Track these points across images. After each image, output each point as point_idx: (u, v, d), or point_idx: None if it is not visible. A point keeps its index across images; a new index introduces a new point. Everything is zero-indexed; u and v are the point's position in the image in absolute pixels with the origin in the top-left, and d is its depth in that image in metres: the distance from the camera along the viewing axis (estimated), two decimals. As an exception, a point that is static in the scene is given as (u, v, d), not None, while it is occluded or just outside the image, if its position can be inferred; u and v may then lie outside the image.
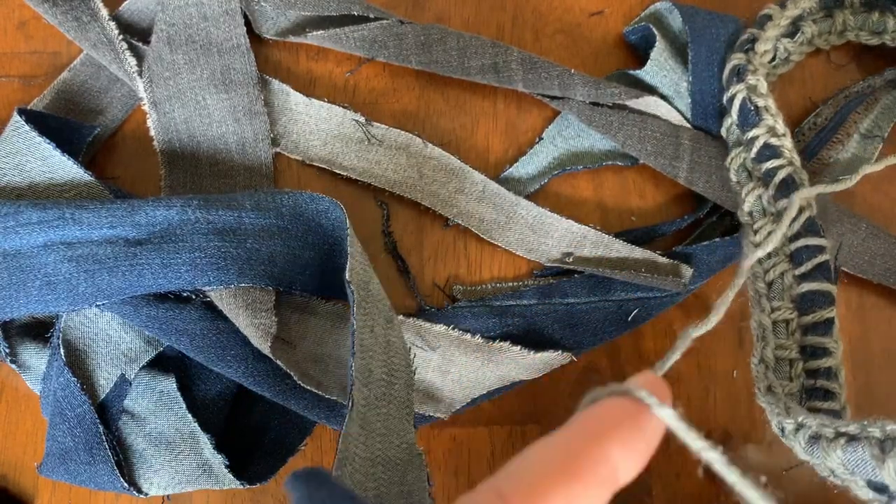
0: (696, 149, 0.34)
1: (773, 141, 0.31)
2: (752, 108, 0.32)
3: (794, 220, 0.30)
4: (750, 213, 0.32)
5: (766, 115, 0.32)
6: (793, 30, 0.35)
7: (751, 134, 0.32)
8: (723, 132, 0.34)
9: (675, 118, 0.35)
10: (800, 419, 0.25)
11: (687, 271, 0.33)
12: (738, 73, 0.33)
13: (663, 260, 0.33)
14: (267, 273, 0.30)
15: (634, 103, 0.34)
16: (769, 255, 0.30)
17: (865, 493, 0.24)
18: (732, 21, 0.35)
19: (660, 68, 0.35)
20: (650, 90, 0.35)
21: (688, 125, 0.35)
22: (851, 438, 0.23)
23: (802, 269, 0.29)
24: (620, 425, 0.18)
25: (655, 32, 0.35)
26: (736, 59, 0.33)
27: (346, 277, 0.27)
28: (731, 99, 0.33)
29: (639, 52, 0.37)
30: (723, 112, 0.34)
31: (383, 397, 0.27)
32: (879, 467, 0.22)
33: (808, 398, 0.28)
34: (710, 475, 0.35)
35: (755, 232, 0.31)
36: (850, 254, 0.34)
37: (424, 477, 0.27)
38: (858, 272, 0.34)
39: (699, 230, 0.35)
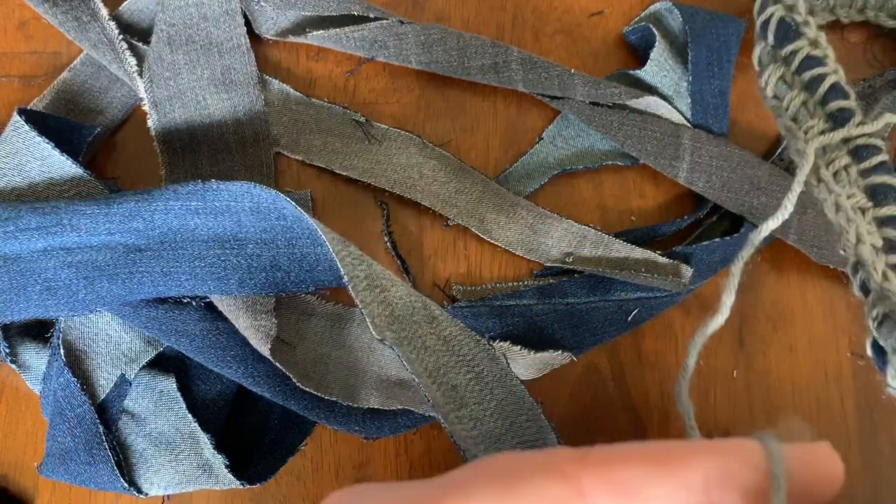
0: (697, 149, 0.34)
1: (817, 52, 0.29)
2: (793, 24, 0.29)
3: (847, 122, 0.28)
4: (794, 119, 0.29)
5: (806, 30, 0.29)
6: None
7: (791, 47, 0.29)
8: (753, 60, 0.31)
9: (676, 118, 0.35)
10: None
11: (687, 271, 0.33)
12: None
13: (663, 260, 0.33)
14: (269, 280, 0.29)
15: (635, 103, 0.34)
16: (824, 152, 0.28)
17: None
18: (733, 21, 0.35)
19: (660, 68, 0.35)
20: (650, 90, 0.35)
21: (688, 125, 0.35)
22: None
23: (866, 163, 0.27)
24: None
25: (655, 32, 0.35)
26: None
27: (376, 336, 0.26)
28: (766, 22, 0.30)
29: (639, 52, 0.37)
30: (756, 39, 0.31)
31: (484, 395, 0.25)
32: None
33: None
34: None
35: (805, 131, 0.29)
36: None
37: (555, 439, 0.27)
38: (858, 272, 0.34)
39: (699, 230, 0.35)
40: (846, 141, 0.28)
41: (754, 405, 0.34)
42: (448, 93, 0.36)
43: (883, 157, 0.27)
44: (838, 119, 0.28)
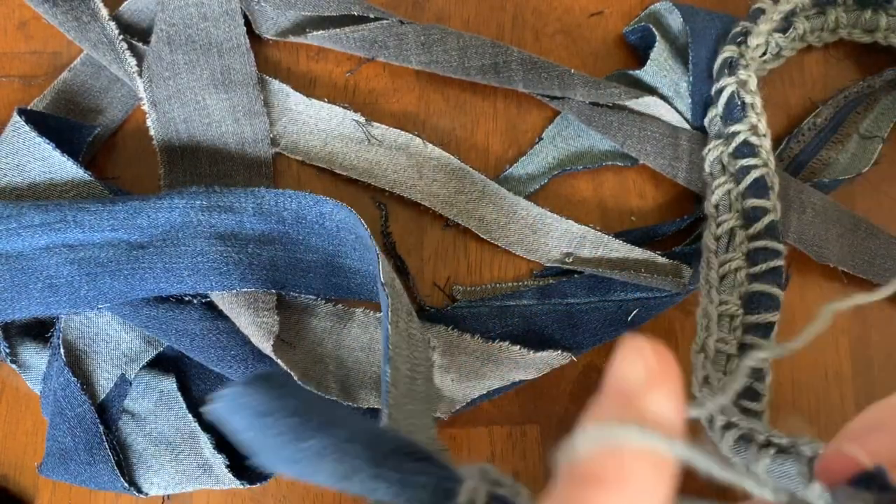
0: (696, 149, 0.34)
1: (753, 139, 0.32)
2: (739, 103, 0.32)
3: (758, 220, 0.31)
4: (716, 206, 0.32)
5: (750, 113, 0.32)
6: (785, 25, 0.34)
7: (732, 129, 0.32)
8: (705, 122, 0.34)
9: (675, 119, 0.35)
10: (733, 418, 0.25)
11: (687, 271, 0.33)
12: (730, 66, 0.33)
13: (663, 260, 0.33)
14: (268, 278, 0.30)
15: (634, 104, 0.34)
16: (727, 249, 0.31)
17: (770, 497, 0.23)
18: (732, 21, 0.35)
19: (660, 68, 0.35)
20: (650, 90, 0.35)
21: (687, 126, 0.35)
22: (782, 450, 0.23)
23: (756, 269, 0.30)
24: None
25: (655, 32, 0.35)
26: (728, 51, 0.33)
27: (381, 280, 0.27)
28: (720, 91, 0.33)
29: (639, 52, 0.37)
30: (708, 102, 0.34)
31: (407, 394, 0.26)
32: (804, 486, 0.21)
33: (737, 396, 0.28)
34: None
35: (717, 225, 0.32)
36: (850, 254, 0.34)
37: None
38: (858, 272, 0.34)
39: (699, 230, 0.35)
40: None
41: (754, 405, 0.34)
42: (448, 93, 0.36)
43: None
44: (751, 217, 0.31)
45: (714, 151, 0.33)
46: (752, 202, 0.31)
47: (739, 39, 0.33)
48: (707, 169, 0.33)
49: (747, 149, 0.32)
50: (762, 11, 0.34)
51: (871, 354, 0.34)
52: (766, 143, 0.32)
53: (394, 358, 0.26)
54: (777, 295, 0.30)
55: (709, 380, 0.28)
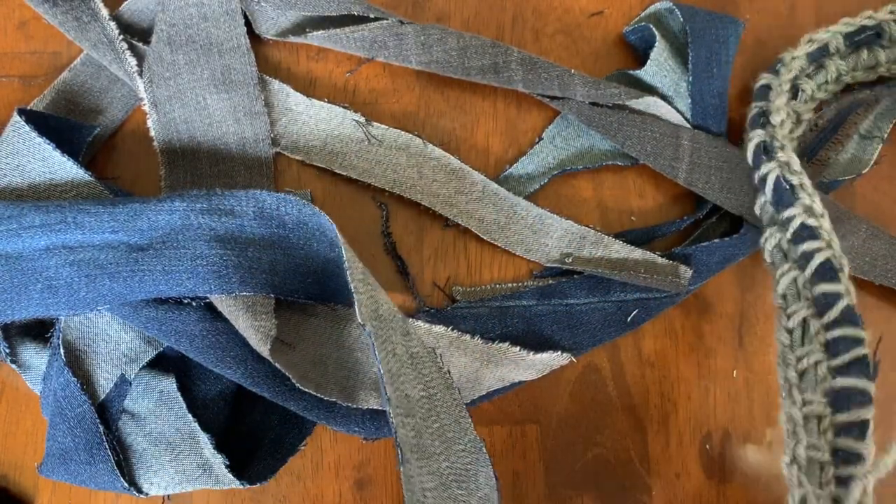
0: (696, 150, 0.34)
1: (811, 221, 0.30)
2: (787, 186, 0.31)
3: (831, 307, 0.28)
4: (783, 297, 0.30)
5: (801, 194, 0.30)
6: (793, 91, 0.34)
7: (787, 214, 0.31)
8: (756, 210, 0.33)
9: (675, 118, 0.35)
10: None
11: (686, 272, 0.33)
12: (766, 151, 0.32)
13: (662, 261, 0.33)
14: (268, 282, 0.29)
15: (634, 104, 0.34)
16: (802, 343, 0.29)
17: None
18: (733, 21, 0.35)
19: (660, 68, 0.35)
20: (650, 90, 0.35)
21: (688, 126, 0.35)
22: None
23: (838, 361, 0.27)
24: None
25: (655, 32, 0.35)
26: (757, 136, 0.32)
27: (359, 320, 0.26)
28: (764, 178, 0.32)
29: (639, 52, 0.37)
30: (755, 188, 0.33)
31: (430, 414, 0.26)
32: None
33: None
34: (710, 474, 0.35)
35: (788, 317, 0.30)
36: (851, 255, 0.34)
37: (492, 473, 0.27)
38: (859, 273, 0.34)
39: (699, 231, 0.35)
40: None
41: (754, 405, 0.34)
42: (448, 93, 0.36)
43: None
44: (824, 304, 0.28)
45: (772, 240, 0.31)
46: (823, 288, 0.29)
47: (762, 121, 0.33)
48: (768, 259, 0.32)
49: (806, 232, 0.30)
50: (768, 87, 0.33)
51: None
52: (826, 224, 0.30)
53: (400, 388, 0.25)
54: (866, 389, 0.26)
55: (807, 501, 0.26)
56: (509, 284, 0.34)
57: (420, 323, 0.32)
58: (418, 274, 0.34)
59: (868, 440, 0.26)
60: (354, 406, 0.30)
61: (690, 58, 0.34)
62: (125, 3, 0.36)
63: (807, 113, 0.35)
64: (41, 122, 0.32)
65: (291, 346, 0.31)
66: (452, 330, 0.32)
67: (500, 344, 0.32)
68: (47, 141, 0.31)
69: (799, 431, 0.27)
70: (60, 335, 0.30)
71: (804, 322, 0.29)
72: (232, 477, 0.30)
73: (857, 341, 0.27)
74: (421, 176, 0.34)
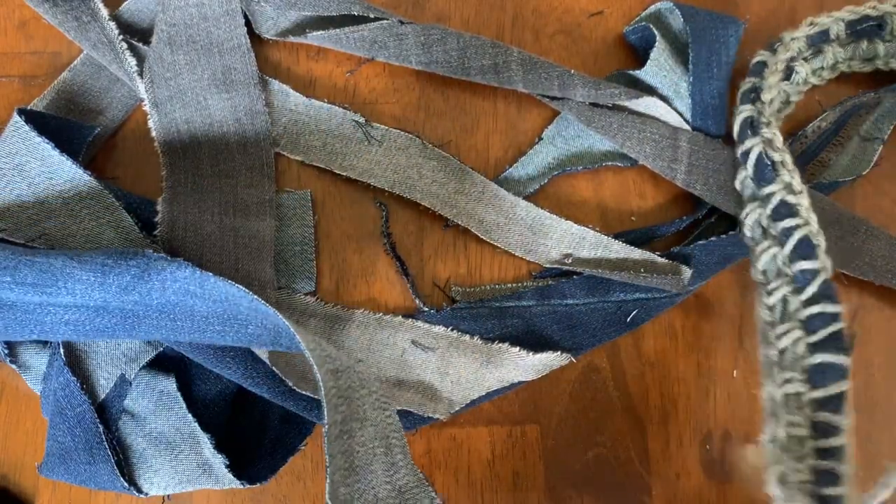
0: (695, 151, 0.34)
1: (791, 199, 0.30)
2: (769, 162, 0.31)
3: (809, 283, 0.29)
4: (763, 273, 0.31)
5: (782, 171, 0.31)
6: (787, 72, 0.34)
7: (767, 190, 0.31)
8: (736, 184, 0.33)
9: (675, 119, 0.35)
10: None
11: (686, 272, 0.33)
12: (752, 126, 0.32)
13: (662, 260, 0.33)
14: (271, 342, 0.29)
15: (634, 104, 0.34)
16: (782, 320, 0.29)
17: None
18: (733, 21, 0.35)
19: (659, 69, 0.35)
20: (650, 90, 0.35)
21: (687, 127, 0.35)
22: None
23: (816, 337, 0.28)
24: None
25: (655, 32, 0.35)
26: (746, 111, 0.32)
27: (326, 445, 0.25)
28: (747, 153, 0.32)
29: (639, 53, 0.37)
30: (737, 164, 0.33)
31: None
32: None
33: (818, 483, 0.26)
34: (710, 474, 0.35)
35: (769, 293, 0.30)
36: (851, 255, 0.34)
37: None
38: (858, 273, 0.34)
39: (698, 231, 0.35)
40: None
41: (754, 405, 0.34)
42: (448, 93, 0.36)
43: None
44: (802, 281, 0.29)
45: (752, 215, 0.32)
46: (802, 265, 0.29)
47: (752, 96, 0.33)
48: (748, 233, 0.32)
49: (786, 209, 0.30)
50: (764, 64, 0.33)
51: (871, 354, 0.34)
52: (804, 201, 0.30)
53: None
54: (842, 364, 0.27)
55: (786, 478, 0.27)
56: (509, 285, 0.34)
57: (420, 323, 0.32)
58: (418, 274, 0.34)
59: (844, 413, 0.27)
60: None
61: (691, 58, 0.34)
62: (125, 3, 0.36)
63: (796, 96, 0.35)
64: (41, 122, 0.32)
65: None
66: (452, 330, 0.32)
67: (500, 344, 0.32)
68: (47, 141, 0.31)
69: (779, 412, 0.28)
70: (60, 335, 0.30)
71: (784, 299, 0.30)
72: (232, 477, 0.30)
73: (834, 317, 0.28)
74: (421, 176, 0.34)
